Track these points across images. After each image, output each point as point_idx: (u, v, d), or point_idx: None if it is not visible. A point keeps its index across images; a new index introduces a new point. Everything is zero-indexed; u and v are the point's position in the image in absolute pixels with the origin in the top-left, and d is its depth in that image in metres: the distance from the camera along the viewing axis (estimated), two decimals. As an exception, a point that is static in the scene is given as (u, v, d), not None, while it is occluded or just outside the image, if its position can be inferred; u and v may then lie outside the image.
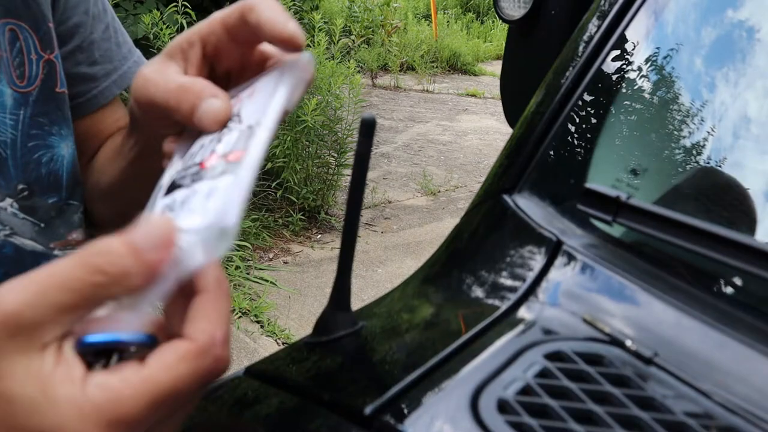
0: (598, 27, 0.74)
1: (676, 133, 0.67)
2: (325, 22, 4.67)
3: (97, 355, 0.34)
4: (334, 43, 4.28)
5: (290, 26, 0.44)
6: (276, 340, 2.85)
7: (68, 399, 0.32)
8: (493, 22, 9.48)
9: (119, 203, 0.75)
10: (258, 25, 0.45)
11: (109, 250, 0.33)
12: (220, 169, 0.41)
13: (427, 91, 7.33)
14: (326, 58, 4.03)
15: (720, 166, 0.63)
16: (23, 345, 0.32)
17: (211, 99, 0.46)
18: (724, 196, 0.62)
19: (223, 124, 0.46)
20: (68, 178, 0.74)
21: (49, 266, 0.33)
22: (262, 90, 0.47)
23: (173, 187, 0.44)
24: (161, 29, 3.45)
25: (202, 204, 0.39)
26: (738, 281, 0.56)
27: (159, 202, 0.43)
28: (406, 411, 0.47)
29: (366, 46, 7.50)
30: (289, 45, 0.45)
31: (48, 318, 0.32)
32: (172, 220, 0.37)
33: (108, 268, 0.33)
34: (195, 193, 0.41)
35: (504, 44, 1.31)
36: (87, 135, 0.80)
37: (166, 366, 0.34)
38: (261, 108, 0.45)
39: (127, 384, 0.33)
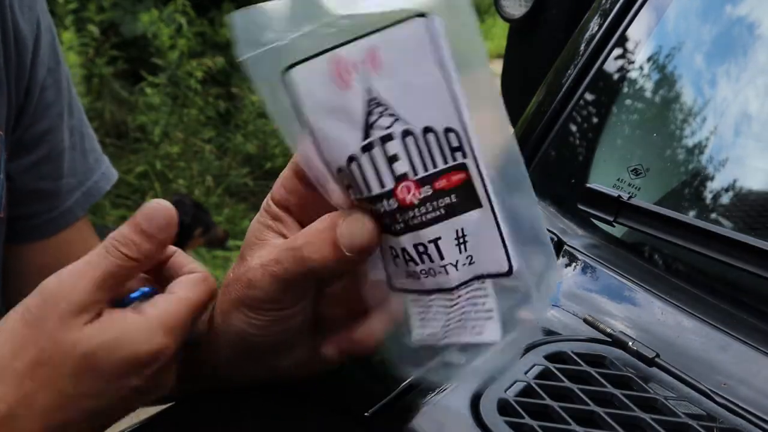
0: (600, 26, 0.74)
1: (678, 132, 0.67)
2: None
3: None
4: (334, 42, 4.27)
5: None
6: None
7: (135, 325, 0.41)
8: (493, 20, 9.48)
9: None
10: None
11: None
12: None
13: (427, 90, 7.31)
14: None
15: (723, 165, 0.63)
16: (67, 318, 0.41)
17: (348, 222, 0.38)
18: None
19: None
20: None
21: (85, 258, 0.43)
22: (397, 61, 0.34)
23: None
24: (159, 28, 3.45)
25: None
26: (740, 282, 0.56)
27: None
28: (406, 412, 0.46)
29: (366, 45, 7.49)
30: None
31: (85, 295, 0.41)
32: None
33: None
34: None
35: (505, 43, 1.31)
36: (42, 266, 0.63)
37: (190, 286, 0.44)
38: (425, 101, 0.34)
39: (168, 301, 0.43)
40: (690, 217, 0.59)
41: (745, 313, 0.53)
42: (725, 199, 0.61)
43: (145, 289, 0.45)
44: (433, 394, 0.47)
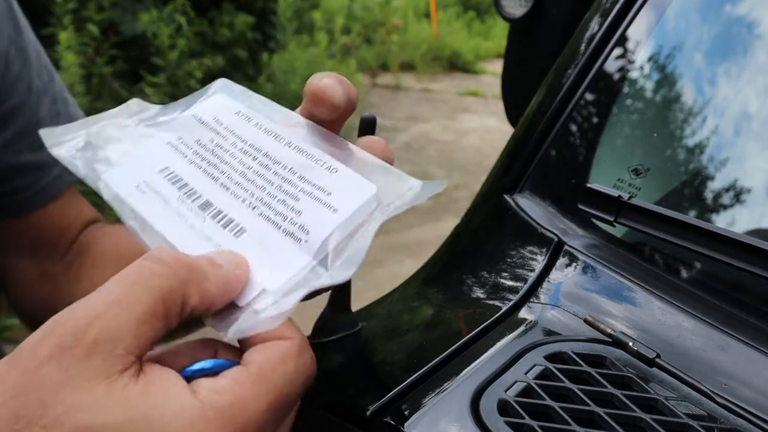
0: (600, 25, 0.74)
1: (678, 132, 0.67)
2: (325, 21, 4.67)
3: None
4: (334, 42, 4.28)
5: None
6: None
7: (182, 411, 0.28)
8: (493, 20, 9.47)
9: None
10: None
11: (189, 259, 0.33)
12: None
13: (428, 90, 7.33)
14: (327, 57, 4.03)
15: (723, 165, 0.63)
16: (100, 365, 0.28)
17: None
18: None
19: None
20: None
21: (118, 275, 0.31)
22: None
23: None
24: (159, 27, 3.45)
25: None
26: (741, 282, 0.56)
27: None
28: (406, 412, 0.46)
29: (366, 45, 7.50)
30: None
31: (127, 330, 0.29)
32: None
33: (183, 271, 0.32)
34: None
35: (505, 43, 1.31)
36: (41, 233, 0.66)
37: (275, 364, 0.32)
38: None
39: (242, 385, 0.30)
40: (690, 217, 0.59)
41: (746, 313, 0.53)
42: (725, 199, 0.61)
43: (219, 360, 0.32)
44: (433, 394, 0.47)
